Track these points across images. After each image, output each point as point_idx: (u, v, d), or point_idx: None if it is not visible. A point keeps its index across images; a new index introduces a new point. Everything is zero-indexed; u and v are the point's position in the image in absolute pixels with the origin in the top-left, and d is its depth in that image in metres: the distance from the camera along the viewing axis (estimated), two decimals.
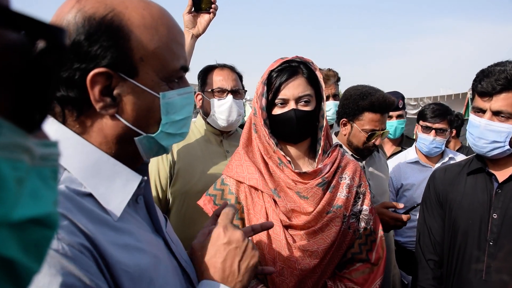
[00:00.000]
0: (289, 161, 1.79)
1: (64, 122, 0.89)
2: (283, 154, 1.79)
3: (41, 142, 0.41)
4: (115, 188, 0.91)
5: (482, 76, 1.91)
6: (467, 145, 8.41)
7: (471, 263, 1.99)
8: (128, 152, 0.96)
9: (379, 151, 2.96)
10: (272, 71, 1.79)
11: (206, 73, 2.62)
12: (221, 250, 1.09)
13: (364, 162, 2.78)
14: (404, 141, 4.37)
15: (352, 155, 2.71)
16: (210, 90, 2.55)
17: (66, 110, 0.88)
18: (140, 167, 1.01)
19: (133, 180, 0.95)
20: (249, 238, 1.17)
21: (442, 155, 3.67)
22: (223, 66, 2.63)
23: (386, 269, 2.06)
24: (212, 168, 2.44)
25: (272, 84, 1.77)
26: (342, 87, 3.81)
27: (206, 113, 2.59)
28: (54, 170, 0.43)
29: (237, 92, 2.58)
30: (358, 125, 2.65)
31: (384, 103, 2.59)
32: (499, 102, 1.85)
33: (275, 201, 1.80)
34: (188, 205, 2.35)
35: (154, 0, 0.98)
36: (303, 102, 1.77)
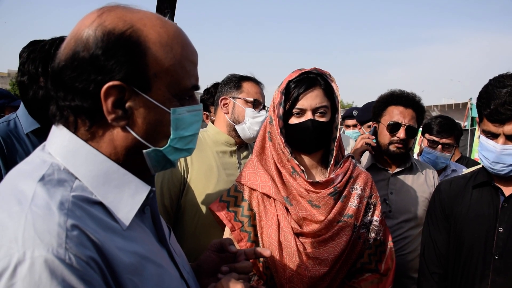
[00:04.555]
0: (302, 170, 1.82)
1: (76, 131, 0.93)
2: (297, 163, 1.82)
3: None
4: (125, 197, 0.94)
5: (489, 99, 1.87)
6: (467, 155, 8.37)
7: (476, 277, 1.99)
8: (136, 164, 0.99)
9: (422, 171, 2.85)
10: (290, 81, 1.84)
11: (241, 81, 2.58)
12: None
13: (392, 175, 2.74)
14: None
15: (379, 165, 2.74)
16: (245, 98, 2.52)
17: (79, 119, 0.92)
18: (148, 178, 1.04)
19: (142, 190, 0.98)
20: None
21: (445, 168, 3.69)
22: (259, 81, 2.63)
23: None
24: (226, 180, 2.41)
25: (290, 94, 1.82)
26: (344, 97, 3.87)
27: (236, 120, 2.53)
28: None
29: (266, 109, 2.58)
30: (383, 122, 2.68)
31: (402, 94, 2.67)
32: (511, 126, 1.83)
33: (287, 209, 1.83)
34: (201, 216, 2.34)
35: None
36: (319, 113, 1.82)
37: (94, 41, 0.88)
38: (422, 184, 2.77)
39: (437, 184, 2.79)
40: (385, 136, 2.65)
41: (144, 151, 0.97)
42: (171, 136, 0.99)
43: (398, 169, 2.75)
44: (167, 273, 0.99)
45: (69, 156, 0.91)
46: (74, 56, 0.88)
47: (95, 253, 0.79)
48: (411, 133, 2.63)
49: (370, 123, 3.44)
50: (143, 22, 0.93)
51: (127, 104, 0.92)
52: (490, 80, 1.95)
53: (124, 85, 0.90)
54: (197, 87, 1.05)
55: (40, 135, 2.02)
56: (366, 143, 2.75)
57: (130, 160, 0.97)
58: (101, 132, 0.93)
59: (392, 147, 2.64)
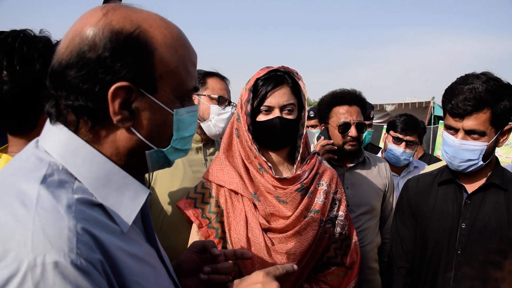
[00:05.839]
0: (270, 166, 1.84)
1: (76, 130, 0.91)
2: (265, 160, 1.84)
3: None
4: (125, 200, 0.94)
5: (451, 95, 1.94)
6: (430, 152, 8.62)
7: (440, 270, 2.05)
8: (136, 164, 0.99)
9: (374, 163, 2.96)
10: (258, 79, 1.85)
11: (206, 77, 2.56)
12: None
13: (347, 170, 2.82)
14: (369, 148, 4.48)
15: (333, 162, 2.77)
16: (209, 95, 2.51)
17: (81, 119, 0.90)
18: (140, 180, 1.04)
19: (142, 193, 0.98)
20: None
21: (408, 164, 3.84)
22: (224, 77, 2.61)
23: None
24: (192, 176, 2.40)
25: (258, 92, 1.84)
26: (311, 95, 3.92)
27: (200, 118, 2.51)
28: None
29: (231, 105, 2.58)
30: (332, 124, 2.74)
31: (344, 93, 2.74)
32: (470, 122, 1.89)
33: (254, 205, 1.85)
34: (167, 213, 2.31)
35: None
36: (287, 111, 1.85)
37: (102, 41, 0.86)
38: (376, 176, 2.87)
39: (389, 175, 2.93)
40: (337, 137, 2.72)
41: (147, 152, 0.97)
42: (174, 137, 1.00)
43: (351, 164, 2.83)
44: (160, 274, 1.00)
45: (69, 156, 0.89)
46: (79, 56, 0.86)
47: (102, 257, 0.79)
48: (361, 129, 2.73)
49: None
50: (149, 23, 0.92)
51: (133, 105, 0.91)
52: (457, 78, 2.01)
53: (132, 86, 0.89)
54: (197, 88, 1.06)
55: None
56: (328, 151, 2.75)
57: (132, 160, 0.96)
58: (104, 133, 0.92)
59: (347, 146, 2.72)
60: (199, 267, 1.34)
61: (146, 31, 0.91)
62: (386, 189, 2.91)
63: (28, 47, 1.39)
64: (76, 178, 0.87)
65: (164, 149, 0.99)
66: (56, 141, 0.91)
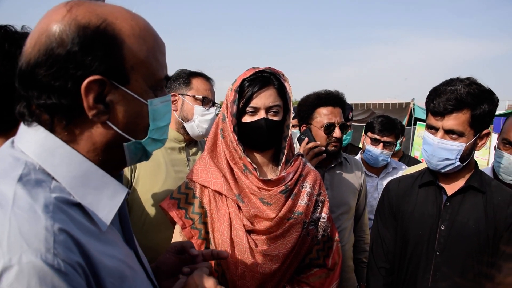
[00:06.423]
0: (255, 168, 1.84)
1: (51, 130, 0.90)
2: (249, 161, 1.84)
3: None
4: (103, 199, 0.93)
5: (435, 95, 2.01)
6: (409, 154, 8.77)
7: (420, 271, 2.09)
8: (115, 158, 0.98)
9: (350, 163, 3.00)
10: (244, 79, 1.85)
11: (190, 77, 2.56)
12: None
13: (326, 171, 2.84)
14: (349, 149, 4.52)
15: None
16: (194, 96, 2.50)
17: (55, 118, 0.89)
18: (118, 179, 1.04)
19: (120, 191, 0.98)
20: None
21: (386, 165, 3.90)
22: (209, 77, 2.60)
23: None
24: (174, 176, 2.39)
25: (244, 92, 1.83)
26: (295, 94, 3.93)
27: (184, 118, 2.52)
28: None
29: (215, 106, 2.58)
30: (315, 124, 2.75)
31: (329, 94, 2.75)
32: (450, 121, 1.96)
33: (238, 206, 1.85)
34: (148, 213, 2.30)
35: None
36: (272, 112, 1.85)
37: (70, 36, 0.85)
38: (353, 176, 2.92)
39: (363, 174, 3.02)
40: (321, 138, 2.73)
41: (125, 144, 0.96)
42: (150, 128, 1.00)
43: (330, 165, 2.86)
44: (138, 275, 0.99)
45: (46, 156, 0.88)
46: (48, 53, 0.85)
47: (80, 258, 0.78)
48: (344, 130, 2.76)
49: None
50: (115, 16, 0.92)
51: (107, 99, 0.91)
52: (442, 81, 2.08)
53: (105, 79, 0.88)
54: (168, 78, 1.07)
55: None
56: (316, 153, 2.73)
57: (109, 155, 0.96)
58: (80, 130, 0.91)
59: (330, 147, 2.73)
60: (178, 268, 1.34)
61: (112, 23, 0.91)
62: (361, 188, 2.98)
63: (10, 43, 1.36)
64: (53, 178, 0.87)
65: (142, 141, 0.99)
66: (32, 141, 0.90)
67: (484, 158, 8.30)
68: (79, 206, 0.88)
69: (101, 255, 0.84)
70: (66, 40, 0.85)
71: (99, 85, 0.88)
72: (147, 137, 1.00)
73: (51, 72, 0.85)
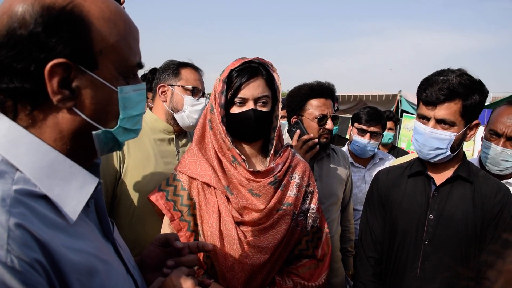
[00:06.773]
0: (243, 159, 1.83)
1: (15, 117, 0.86)
2: (238, 152, 1.82)
3: None
4: (71, 190, 0.88)
5: (427, 85, 2.02)
6: (398, 145, 8.83)
7: (408, 260, 2.11)
8: (84, 148, 0.94)
9: (338, 154, 3.01)
10: (232, 70, 1.82)
11: (180, 68, 2.54)
12: None
13: (315, 162, 2.84)
14: (336, 140, 4.53)
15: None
16: (183, 86, 2.49)
17: (18, 104, 0.85)
18: (93, 169, 1.00)
19: (90, 182, 0.93)
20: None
21: (373, 156, 3.94)
22: (198, 68, 2.58)
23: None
24: (164, 168, 2.37)
25: (232, 83, 1.81)
26: (282, 86, 3.90)
27: (174, 109, 2.50)
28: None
29: (205, 96, 2.55)
30: (307, 116, 2.73)
31: (322, 86, 2.75)
32: (442, 111, 1.97)
33: (227, 198, 1.83)
34: (137, 205, 2.27)
35: None
36: (261, 103, 1.83)
37: (33, 16, 0.81)
38: (341, 168, 2.94)
39: (349, 164, 3.06)
40: (313, 129, 2.71)
41: (93, 132, 0.92)
42: (121, 116, 0.95)
43: (320, 157, 2.86)
44: (114, 269, 0.95)
45: (9, 146, 0.83)
46: (9, 34, 0.81)
47: (40, 255, 0.73)
48: (336, 121, 2.76)
49: None
50: None
51: (74, 84, 0.86)
52: (434, 72, 2.09)
53: (70, 63, 0.84)
54: (141, 65, 1.02)
55: None
56: (311, 146, 2.67)
57: (77, 144, 0.92)
58: (44, 116, 0.87)
59: (322, 139, 2.72)
60: (163, 261, 1.30)
61: (80, 5, 0.86)
62: (348, 178, 3.00)
63: None
64: (17, 169, 0.82)
65: (112, 129, 0.95)
66: None
67: (469, 149, 8.40)
68: (45, 198, 0.83)
69: (66, 250, 0.80)
70: (28, 21, 0.81)
71: (64, 69, 0.84)
72: (117, 126, 0.96)
73: (13, 54, 0.81)
